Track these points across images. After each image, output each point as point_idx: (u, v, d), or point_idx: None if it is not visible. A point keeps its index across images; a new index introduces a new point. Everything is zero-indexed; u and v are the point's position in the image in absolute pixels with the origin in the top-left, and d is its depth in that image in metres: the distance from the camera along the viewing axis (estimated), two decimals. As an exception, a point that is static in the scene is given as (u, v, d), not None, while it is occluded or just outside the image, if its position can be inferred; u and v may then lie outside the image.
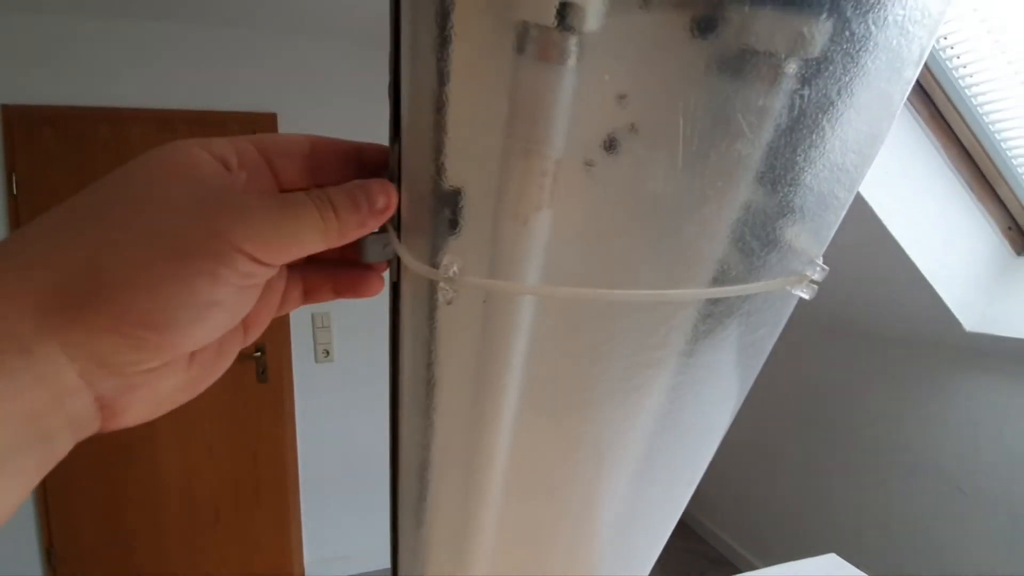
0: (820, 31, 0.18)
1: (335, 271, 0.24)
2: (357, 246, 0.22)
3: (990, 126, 1.24)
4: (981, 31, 1.10)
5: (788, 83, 0.18)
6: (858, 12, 0.18)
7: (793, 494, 2.03)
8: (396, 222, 0.24)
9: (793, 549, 2.02)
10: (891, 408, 1.65)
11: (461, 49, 0.17)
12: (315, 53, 2.03)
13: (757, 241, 0.22)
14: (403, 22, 0.19)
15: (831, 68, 0.18)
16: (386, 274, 0.26)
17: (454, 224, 0.21)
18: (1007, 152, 1.26)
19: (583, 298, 0.21)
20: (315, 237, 0.19)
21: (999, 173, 1.29)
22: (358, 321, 2.15)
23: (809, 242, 0.24)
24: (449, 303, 0.20)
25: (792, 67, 0.19)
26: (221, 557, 2.11)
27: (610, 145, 0.21)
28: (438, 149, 0.19)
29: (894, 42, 0.19)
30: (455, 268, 0.19)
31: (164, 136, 1.95)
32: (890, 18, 0.18)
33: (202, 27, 1.92)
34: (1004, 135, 1.24)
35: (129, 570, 2.00)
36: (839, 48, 0.18)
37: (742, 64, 0.19)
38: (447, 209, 0.21)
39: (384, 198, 0.21)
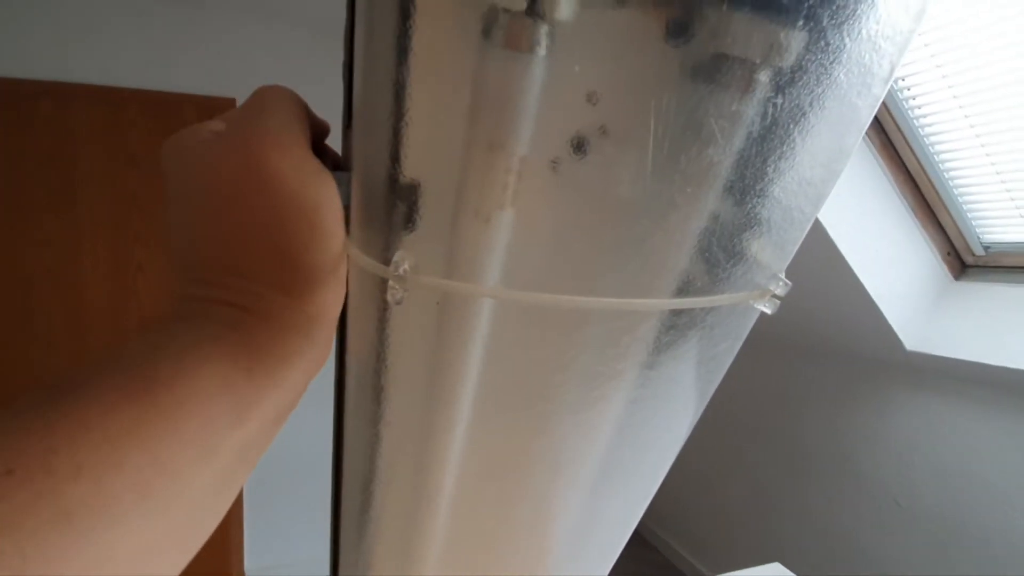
0: (796, 39, 0.17)
1: None
2: None
3: (935, 156, 1.31)
4: (931, 65, 1.16)
5: (762, 90, 0.18)
6: (834, 23, 0.17)
7: (740, 504, 2.08)
8: (346, 216, 0.22)
9: (739, 557, 2.06)
10: (834, 422, 1.71)
11: (423, 28, 0.16)
12: (274, 39, 1.97)
13: (723, 253, 0.22)
14: (360, -4, 0.17)
15: (805, 78, 0.18)
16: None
17: (409, 219, 0.19)
18: (949, 182, 1.33)
19: (545, 304, 0.20)
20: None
21: (941, 201, 1.36)
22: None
23: (773, 256, 0.24)
24: (398, 303, 0.18)
25: (766, 75, 0.18)
26: (155, 563, 1.99)
27: (578, 146, 0.20)
28: (395, 137, 0.18)
29: (866, 56, 0.18)
30: (406, 265, 0.18)
31: (112, 115, 1.85)
32: (864, 32, 0.18)
33: (158, 3, 1.84)
34: (948, 165, 1.31)
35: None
36: (813, 58, 0.17)
37: (716, 69, 0.18)
38: (402, 203, 0.19)
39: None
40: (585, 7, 0.17)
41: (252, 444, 0.18)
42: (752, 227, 0.22)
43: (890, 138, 1.32)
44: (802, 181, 0.21)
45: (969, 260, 1.42)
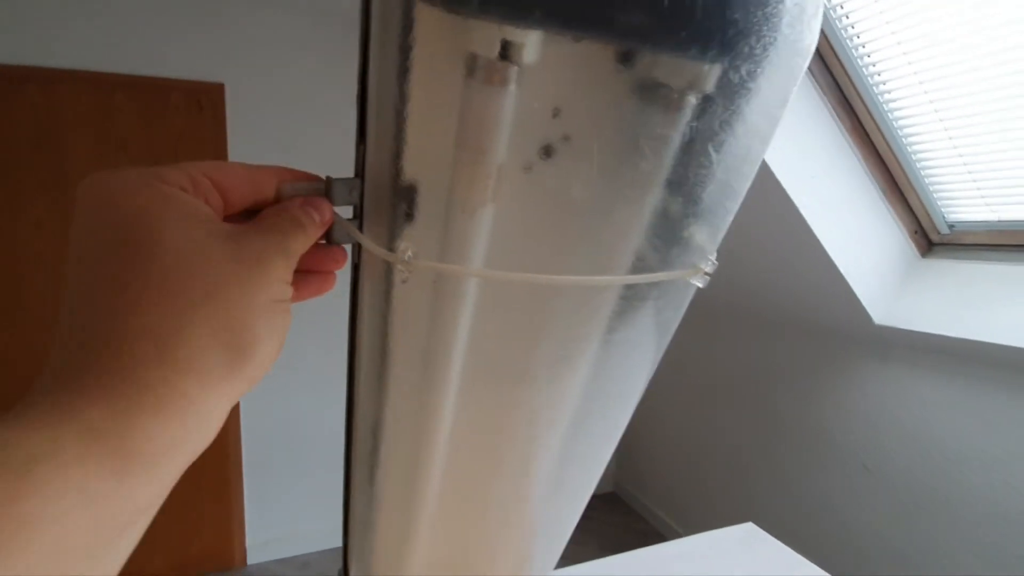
0: (712, 73, 0.22)
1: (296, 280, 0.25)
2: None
3: (903, 139, 1.37)
4: (898, 52, 1.21)
5: (689, 112, 0.23)
6: (745, 58, 0.22)
7: (717, 471, 2.18)
8: (359, 212, 0.27)
9: (716, 521, 2.17)
10: (806, 392, 1.80)
11: (421, 70, 0.21)
12: (265, 21, 1.97)
13: (665, 238, 0.27)
14: (371, 45, 0.22)
15: (743, 90, 0.23)
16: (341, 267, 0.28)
17: (410, 215, 0.24)
18: (917, 164, 1.39)
19: (518, 281, 0.25)
20: (302, 247, 0.23)
21: (909, 182, 1.43)
22: (306, 301, 2.12)
23: (708, 239, 0.29)
24: (404, 282, 0.24)
25: (693, 99, 0.23)
26: (153, 541, 2.06)
27: (546, 152, 0.25)
28: (398, 154, 0.23)
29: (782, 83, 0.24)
30: (410, 252, 0.23)
31: (100, 100, 1.85)
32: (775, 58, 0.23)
33: (144, -12, 1.83)
34: (915, 148, 1.37)
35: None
36: (755, 70, 0.23)
37: (655, 92, 0.23)
38: (404, 202, 0.24)
39: (328, 211, 0.24)
40: (548, 47, 0.22)
41: (116, 548, 0.16)
42: (689, 217, 0.27)
43: (860, 121, 1.37)
44: (727, 189, 0.26)
45: (935, 238, 1.49)
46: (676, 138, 0.24)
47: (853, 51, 1.29)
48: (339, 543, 0.39)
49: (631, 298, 0.29)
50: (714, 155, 0.24)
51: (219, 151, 1.97)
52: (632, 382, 0.34)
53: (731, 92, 0.23)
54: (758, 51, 0.21)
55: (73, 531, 0.14)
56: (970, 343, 1.33)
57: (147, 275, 0.18)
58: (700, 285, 0.28)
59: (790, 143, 1.33)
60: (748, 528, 1.18)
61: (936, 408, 1.46)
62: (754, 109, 0.23)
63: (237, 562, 2.19)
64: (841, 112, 1.37)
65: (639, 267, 0.28)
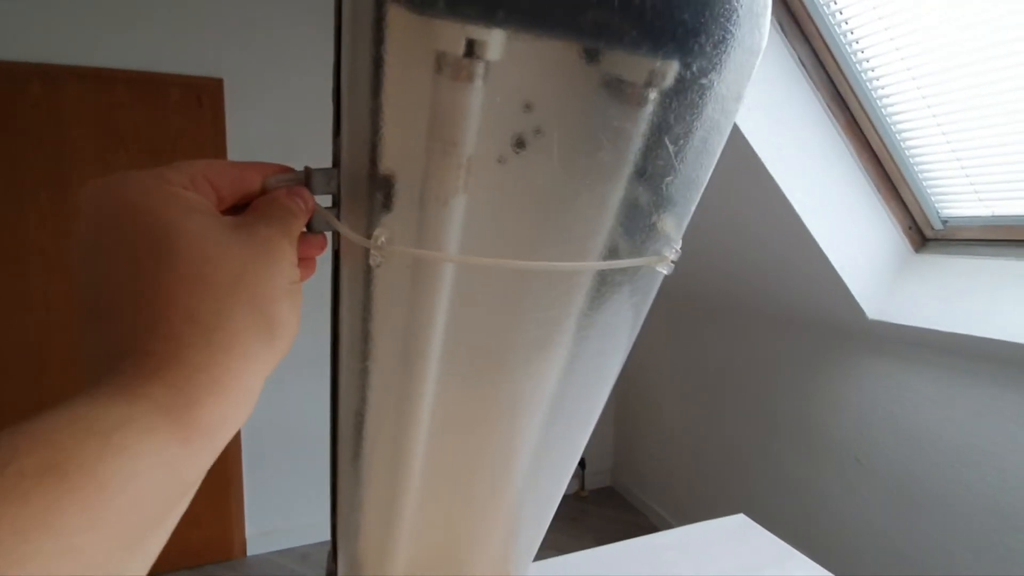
0: (670, 69, 0.24)
1: None
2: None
3: (897, 136, 1.38)
4: (891, 48, 1.22)
5: (649, 108, 0.24)
6: (700, 56, 0.24)
7: (714, 465, 2.20)
8: (337, 201, 0.28)
9: (714, 515, 2.19)
10: (800, 386, 1.81)
11: (391, 69, 0.22)
12: (264, 17, 1.98)
13: (632, 227, 0.28)
14: (344, 43, 0.23)
15: (688, 98, 0.24)
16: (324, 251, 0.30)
17: (387, 204, 0.26)
18: (910, 160, 1.40)
19: (489, 265, 0.27)
20: (297, 231, 0.25)
21: (903, 177, 1.43)
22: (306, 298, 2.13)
23: (673, 228, 0.30)
24: (378, 266, 0.25)
25: (652, 94, 0.25)
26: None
27: (519, 145, 0.26)
28: (374, 145, 0.24)
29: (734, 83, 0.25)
30: (383, 238, 0.24)
31: (101, 96, 1.87)
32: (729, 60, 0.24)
33: (144, -16, 1.84)
34: (908, 144, 1.38)
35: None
36: (714, 70, 0.24)
37: (619, 87, 0.25)
38: (380, 192, 0.26)
39: (310, 199, 0.26)
40: (512, 45, 0.23)
41: (172, 517, 0.18)
42: (656, 207, 0.29)
43: (855, 118, 1.38)
44: (689, 179, 0.27)
45: (929, 233, 1.50)
46: (639, 132, 0.25)
47: (847, 47, 1.30)
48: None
49: (602, 284, 0.31)
50: (674, 148, 0.25)
51: (218, 146, 1.98)
52: (605, 368, 0.36)
53: (687, 88, 0.24)
54: (708, 49, 0.22)
55: (145, 493, 0.16)
56: (963, 338, 1.34)
57: (175, 268, 0.19)
58: (665, 272, 0.30)
59: (785, 139, 1.34)
60: (739, 519, 1.20)
61: (928, 402, 1.47)
62: (709, 104, 0.24)
63: (237, 553, 2.21)
64: (835, 108, 1.38)
65: (612, 254, 0.29)
